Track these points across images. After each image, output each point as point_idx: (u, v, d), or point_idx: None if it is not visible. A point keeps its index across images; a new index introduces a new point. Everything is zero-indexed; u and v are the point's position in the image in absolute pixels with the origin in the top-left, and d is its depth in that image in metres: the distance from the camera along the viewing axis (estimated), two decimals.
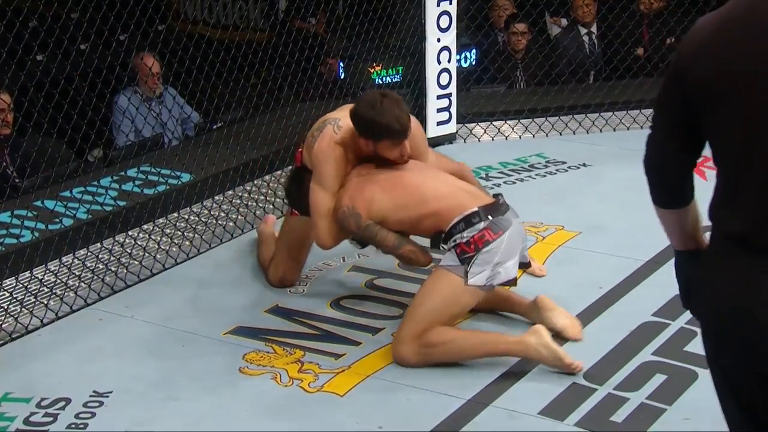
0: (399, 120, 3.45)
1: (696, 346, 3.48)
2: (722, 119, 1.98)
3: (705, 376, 3.30)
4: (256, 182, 4.97)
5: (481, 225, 3.38)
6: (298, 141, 5.03)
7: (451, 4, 5.41)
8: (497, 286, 3.49)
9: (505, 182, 5.08)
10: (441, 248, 3.47)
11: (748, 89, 1.93)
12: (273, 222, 4.35)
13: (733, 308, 2.00)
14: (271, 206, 4.77)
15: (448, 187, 3.54)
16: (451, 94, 5.57)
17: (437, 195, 3.48)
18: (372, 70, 6.37)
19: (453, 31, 5.46)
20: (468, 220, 3.39)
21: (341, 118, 3.58)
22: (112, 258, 4.22)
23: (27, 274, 4.03)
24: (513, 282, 3.48)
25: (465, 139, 5.73)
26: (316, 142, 3.59)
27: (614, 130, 5.85)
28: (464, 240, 3.37)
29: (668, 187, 2.16)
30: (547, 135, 5.81)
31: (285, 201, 3.96)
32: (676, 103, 2.06)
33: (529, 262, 3.63)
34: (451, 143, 5.69)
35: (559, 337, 3.56)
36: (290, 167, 4.98)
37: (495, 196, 3.56)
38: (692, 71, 2.00)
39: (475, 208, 3.41)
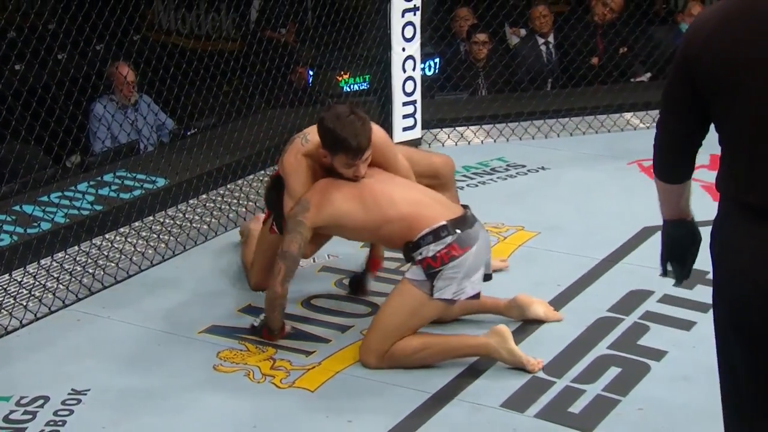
0: (357, 137, 3.38)
1: (648, 339, 3.62)
2: (732, 104, 2.14)
3: (657, 368, 3.43)
4: (228, 186, 5.01)
5: (449, 239, 3.33)
6: (269, 146, 5.16)
7: (415, 15, 5.45)
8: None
9: (468, 185, 5.14)
10: (410, 260, 3.44)
11: (755, 76, 2.10)
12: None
13: (762, 273, 2.13)
14: (243, 209, 4.80)
15: (418, 195, 3.50)
16: (416, 101, 5.61)
17: (406, 200, 3.44)
18: (340, 78, 6.46)
19: (417, 41, 5.50)
20: (436, 234, 3.34)
21: (310, 133, 3.58)
22: (90, 260, 4.22)
23: (6, 276, 4.04)
24: (477, 296, 3.46)
25: (430, 144, 5.76)
26: (285, 155, 3.61)
27: (571, 134, 5.96)
28: (430, 254, 3.34)
29: (676, 165, 2.35)
30: (507, 140, 5.89)
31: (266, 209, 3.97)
32: (686, 90, 2.22)
33: (491, 275, 3.54)
34: (417, 148, 5.81)
35: (544, 322, 3.69)
36: (262, 172, 5.12)
37: (463, 206, 3.52)
38: (701, 60, 2.16)
39: (444, 222, 3.36)
